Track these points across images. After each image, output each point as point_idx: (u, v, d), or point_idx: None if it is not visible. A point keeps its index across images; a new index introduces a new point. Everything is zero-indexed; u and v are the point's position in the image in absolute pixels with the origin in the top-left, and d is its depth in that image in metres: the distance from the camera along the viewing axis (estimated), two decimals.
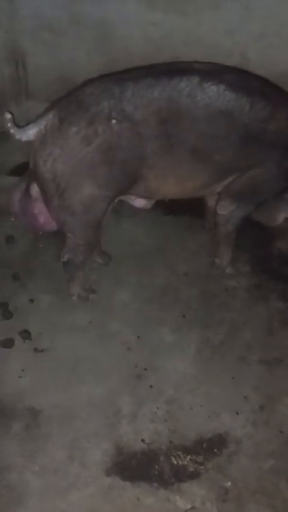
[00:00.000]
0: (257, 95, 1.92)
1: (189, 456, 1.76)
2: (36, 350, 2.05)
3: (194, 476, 1.71)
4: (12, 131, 1.88)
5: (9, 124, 1.88)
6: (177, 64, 2.01)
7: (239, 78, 1.94)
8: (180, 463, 1.74)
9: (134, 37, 2.65)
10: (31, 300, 2.22)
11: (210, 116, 1.87)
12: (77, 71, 2.64)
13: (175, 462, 1.75)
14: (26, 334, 2.09)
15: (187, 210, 2.57)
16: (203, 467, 1.73)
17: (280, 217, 2.24)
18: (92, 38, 2.68)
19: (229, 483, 1.69)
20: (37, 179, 1.94)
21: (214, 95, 1.86)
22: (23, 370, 1.98)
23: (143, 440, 1.80)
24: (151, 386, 1.95)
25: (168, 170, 1.95)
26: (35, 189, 2.00)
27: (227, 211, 2.17)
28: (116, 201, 2.04)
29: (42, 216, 2.05)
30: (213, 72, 1.91)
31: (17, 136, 1.89)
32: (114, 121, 1.82)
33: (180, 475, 1.72)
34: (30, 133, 1.88)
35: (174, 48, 2.60)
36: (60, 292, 2.25)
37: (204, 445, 1.78)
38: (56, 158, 1.85)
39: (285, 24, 2.45)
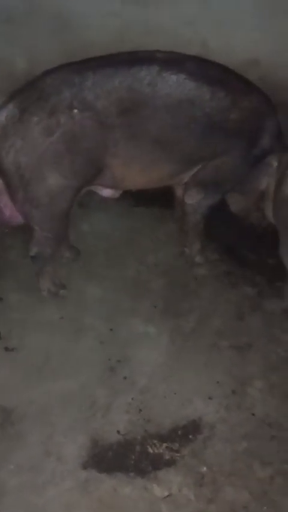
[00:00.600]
0: (218, 84, 1.92)
1: (164, 444, 1.77)
2: (6, 348, 2.02)
3: (170, 463, 1.73)
4: None
5: None
6: (137, 53, 1.99)
7: (199, 67, 1.94)
8: (156, 451, 1.76)
9: (93, 28, 2.61)
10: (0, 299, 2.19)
11: (171, 105, 1.87)
12: (35, 63, 2.58)
13: (151, 451, 1.76)
14: None
15: (156, 201, 2.57)
16: (178, 454, 1.75)
17: (263, 182, 2.15)
18: (50, 29, 2.63)
19: (205, 468, 1.72)
20: (0, 172, 1.90)
21: (174, 84, 1.85)
22: None
23: (118, 432, 1.80)
24: (125, 378, 1.96)
25: (132, 160, 1.95)
26: None
27: (194, 201, 2.18)
28: (83, 191, 2.01)
29: (8, 209, 2.01)
30: (173, 61, 1.91)
31: None
32: (75, 111, 1.81)
33: (157, 463, 1.73)
34: None
35: (134, 39, 2.56)
36: (29, 289, 2.22)
37: (179, 432, 1.80)
38: (18, 150, 1.82)
39: (244, 13, 2.47)
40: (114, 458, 1.75)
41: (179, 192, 2.34)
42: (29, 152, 1.82)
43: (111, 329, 2.11)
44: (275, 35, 2.49)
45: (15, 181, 1.87)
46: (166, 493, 1.66)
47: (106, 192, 2.16)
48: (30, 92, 1.84)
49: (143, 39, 2.59)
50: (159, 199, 2.53)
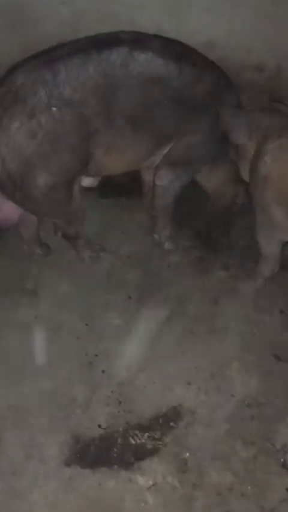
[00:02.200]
0: (183, 59, 1.94)
1: (146, 434, 1.77)
2: None
3: (153, 452, 1.73)
4: None
5: None
6: (101, 36, 1.96)
7: (164, 45, 1.95)
8: (138, 441, 1.75)
9: (47, 19, 2.54)
10: None
11: (143, 84, 1.87)
12: None
13: (133, 442, 1.75)
14: None
15: (122, 191, 2.54)
16: (161, 443, 1.75)
17: (242, 135, 2.04)
18: (3, 23, 2.56)
19: (187, 454, 1.72)
20: None
21: (144, 62, 1.85)
22: None
23: (99, 426, 1.79)
24: (103, 371, 1.94)
25: (111, 145, 1.94)
26: None
27: (165, 182, 2.17)
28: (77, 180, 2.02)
29: (1, 212, 2.03)
30: (138, 40, 1.90)
31: None
32: (54, 109, 1.78)
33: (139, 454, 1.72)
34: None
35: (90, 27, 2.49)
36: (2, 291, 2.17)
37: (160, 421, 1.80)
38: (5, 157, 1.81)
39: None
40: (97, 452, 1.74)
41: (147, 176, 2.32)
42: (16, 158, 1.81)
43: (86, 324, 2.09)
44: (229, 17, 2.47)
45: (9, 186, 1.88)
46: (151, 483, 1.66)
47: (86, 181, 2.15)
48: (4, 94, 1.80)
49: (97, 28, 2.53)
50: (125, 189, 2.50)
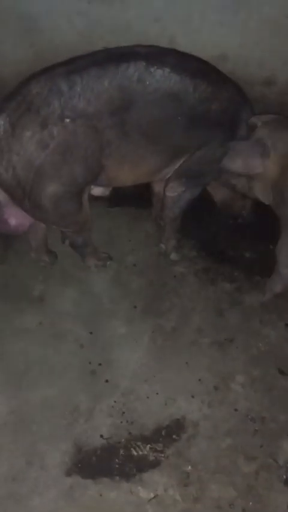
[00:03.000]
0: (199, 76, 1.94)
1: (148, 445, 1.76)
2: None
3: (155, 464, 1.72)
4: None
5: None
6: (119, 49, 1.98)
7: (180, 60, 1.96)
8: (140, 453, 1.74)
9: (60, 28, 2.57)
10: None
11: (159, 99, 1.87)
12: (4, 66, 2.55)
13: (135, 453, 1.74)
14: None
15: (132, 201, 2.55)
16: (163, 455, 1.74)
17: (257, 165, 1.98)
18: (17, 31, 2.59)
19: (189, 467, 1.71)
20: (2, 186, 1.90)
21: (161, 78, 1.86)
22: None
23: (101, 436, 1.79)
24: (106, 381, 1.94)
25: (124, 158, 1.96)
26: (1, 195, 1.94)
27: (175, 193, 2.18)
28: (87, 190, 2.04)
29: (13, 219, 2.04)
30: (155, 55, 1.91)
31: None
32: (67, 120, 1.79)
33: (141, 465, 1.72)
34: None
35: (103, 38, 2.55)
36: (6, 297, 2.18)
37: (163, 432, 1.79)
38: (16, 165, 1.82)
39: (211, 8, 2.46)
40: (99, 463, 1.73)
41: (157, 187, 2.34)
42: (27, 167, 1.82)
43: (91, 332, 2.09)
44: (242, 30, 2.50)
45: (19, 193, 1.89)
46: (152, 495, 1.65)
47: (97, 191, 2.16)
48: (19, 103, 1.81)
49: (110, 38, 2.57)
50: (134, 199, 2.52)
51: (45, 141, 1.78)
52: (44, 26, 2.58)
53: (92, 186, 2.09)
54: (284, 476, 1.68)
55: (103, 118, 1.82)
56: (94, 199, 2.19)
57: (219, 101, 1.97)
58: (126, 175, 2.02)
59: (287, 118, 1.97)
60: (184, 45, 2.52)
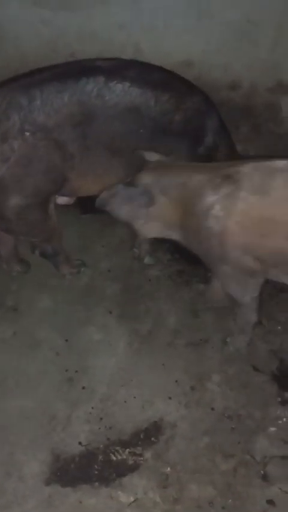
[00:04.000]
0: (161, 88, 1.94)
1: (127, 449, 1.76)
2: None
3: (134, 468, 1.72)
4: None
5: None
6: (79, 63, 1.99)
7: (141, 72, 1.96)
8: (119, 457, 1.74)
9: (25, 38, 2.58)
10: None
11: (120, 114, 1.88)
12: None
13: (114, 458, 1.74)
14: None
15: None
16: (141, 458, 1.74)
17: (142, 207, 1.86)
18: None
19: (168, 468, 1.72)
20: None
21: (121, 93, 1.87)
22: None
23: (80, 443, 1.78)
24: (83, 387, 1.93)
25: (88, 170, 1.96)
26: None
27: None
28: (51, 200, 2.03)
29: None
30: (115, 69, 1.91)
31: None
32: (27, 134, 1.80)
33: (120, 470, 1.71)
34: None
35: (69, 46, 2.57)
36: None
37: (141, 436, 1.79)
38: None
39: (175, 15, 2.51)
40: (77, 470, 1.72)
41: None
42: None
43: (66, 340, 2.08)
44: (206, 36, 2.55)
45: None
46: (132, 499, 1.65)
47: (61, 200, 2.16)
48: None
49: (76, 46, 2.60)
50: None
51: (5, 154, 1.78)
52: (8, 36, 2.58)
53: (56, 196, 2.10)
54: (262, 472, 1.70)
55: (64, 131, 1.83)
56: (64, 207, 2.19)
57: (182, 112, 1.98)
58: (90, 186, 2.03)
59: (173, 161, 1.91)
60: (149, 52, 2.56)
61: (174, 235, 1.90)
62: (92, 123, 1.86)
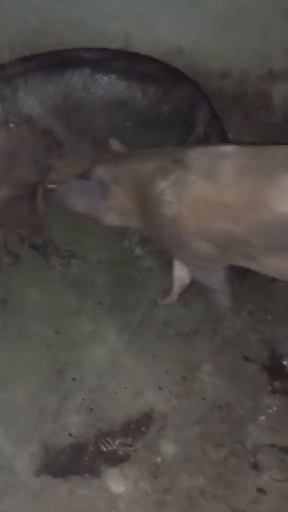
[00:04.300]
0: (149, 79, 1.92)
1: (118, 440, 1.76)
2: None
3: (125, 458, 1.72)
4: None
5: None
6: (65, 53, 1.95)
7: (129, 64, 1.93)
8: (110, 448, 1.74)
9: (14, 26, 2.54)
10: None
11: (106, 106, 1.86)
12: None
13: (104, 449, 1.74)
14: None
15: None
16: (132, 448, 1.74)
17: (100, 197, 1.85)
18: None
19: (159, 458, 1.72)
20: None
21: (107, 85, 1.84)
22: None
23: (70, 434, 1.77)
24: (74, 379, 1.92)
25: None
26: None
27: None
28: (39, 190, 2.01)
29: None
30: (102, 61, 1.88)
31: None
32: (12, 125, 1.77)
33: (111, 461, 1.71)
34: None
35: (57, 34, 2.52)
36: None
37: (132, 426, 1.79)
38: None
39: (164, 2, 2.48)
40: (68, 461, 1.72)
41: None
42: None
43: (56, 332, 2.07)
44: (196, 24, 2.52)
45: None
46: (123, 489, 1.65)
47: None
48: None
49: (65, 35, 2.55)
50: None
51: None
52: None
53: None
54: (252, 460, 1.71)
55: (49, 122, 1.80)
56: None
57: (171, 102, 1.95)
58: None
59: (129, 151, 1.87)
60: (139, 41, 2.53)
61: (134, 224, 1.89)
62: (78, 115, 1.84)
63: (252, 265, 1.75)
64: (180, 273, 2.07)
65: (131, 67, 1.92)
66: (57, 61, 1.86)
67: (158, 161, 1.72)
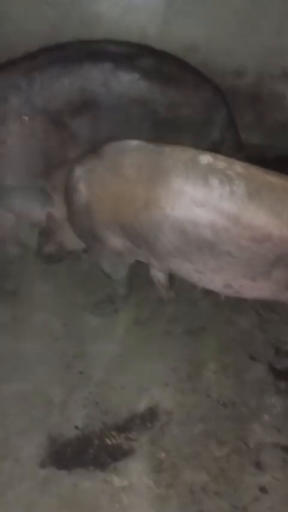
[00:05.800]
0: (171, 82, 1.91)
1: (123, 434, 1.78)
2: None
3: (129, 453, 1.74)
4: None
5: None
6: (88, 45, 1.93)
7: (152, 64, 1.91)
8: (115, 442, 1.76)
9: (30, 18, 2.55)
10: None
11: (124, 105, 1.86)
12: None
13: (109, 442, 1.76)
14: None
15: None
16: (137, 443, 1.76)
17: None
18: None
19: (163, 454, 1.74)
20: None
21: (128, 84, 1.83)
22: None
23: (76, 427, 1.79)
24: (81, 372, 1.94)
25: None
26: None
27: None
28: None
29: None
30: (127, 57, 1.86)
31: None
32: (25, 117, 1.79)
33: (115, 454, 1.73)
34: None
35: (73, 28, 2.52)
36: None
37: (137, 421, 1.81)
38: None
39: (181, 1, 2.46)
40: (73, 454, 1.74)
41: None
42: None
43: (65, 325, 2.09)
44: (211, 21, 2.51)
45: None
46: (126, 483, 1.67)
47: None
48: None
49: (81, 29, 2.55)
50: None
51: (2, 136, 1.77)
52: (13, 16, 2.55)
53: None
54: (255, 459, 1.72)
55: (63, 115, 1.81)
56: None
57: (190, 107, 1.95)
58: None
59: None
60: (154, 36, 2.52)
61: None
62: (93, 111, 1.84)
63: (156, 265, 1.83)
64: (154, 272, 2.11)
65: (155, 67, 1.91)
66: (77, 53, 1.85)
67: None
